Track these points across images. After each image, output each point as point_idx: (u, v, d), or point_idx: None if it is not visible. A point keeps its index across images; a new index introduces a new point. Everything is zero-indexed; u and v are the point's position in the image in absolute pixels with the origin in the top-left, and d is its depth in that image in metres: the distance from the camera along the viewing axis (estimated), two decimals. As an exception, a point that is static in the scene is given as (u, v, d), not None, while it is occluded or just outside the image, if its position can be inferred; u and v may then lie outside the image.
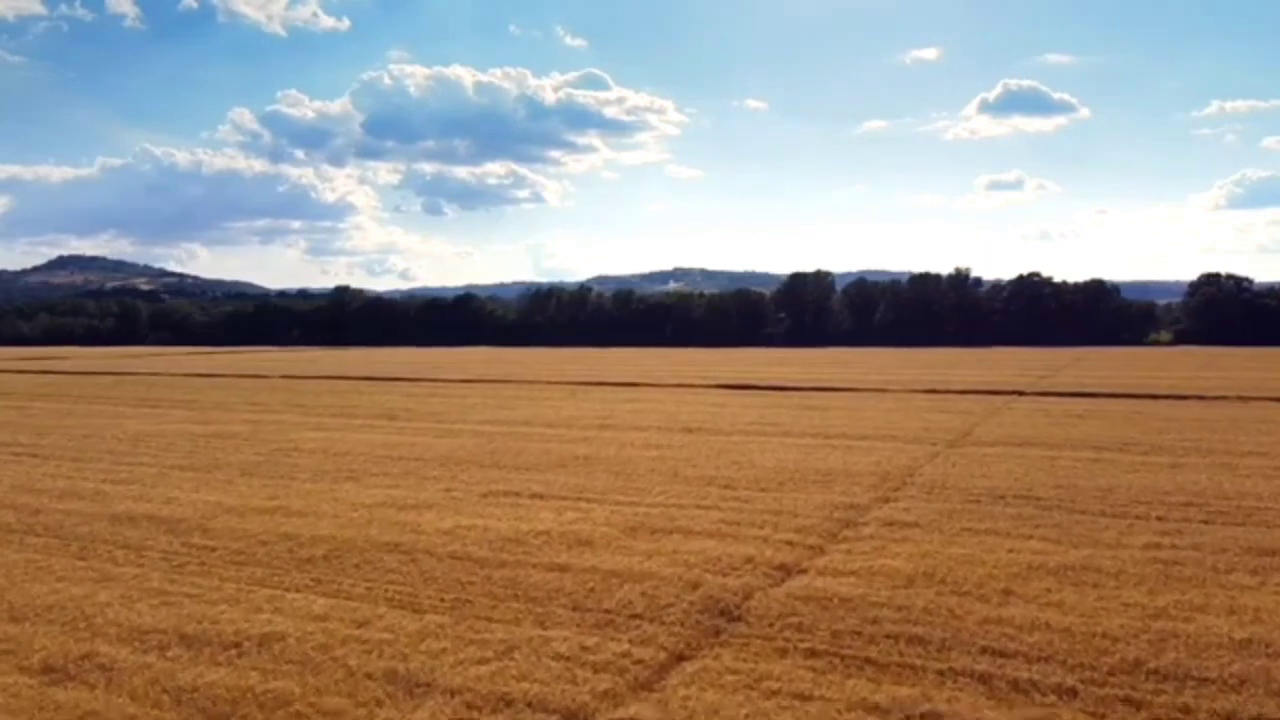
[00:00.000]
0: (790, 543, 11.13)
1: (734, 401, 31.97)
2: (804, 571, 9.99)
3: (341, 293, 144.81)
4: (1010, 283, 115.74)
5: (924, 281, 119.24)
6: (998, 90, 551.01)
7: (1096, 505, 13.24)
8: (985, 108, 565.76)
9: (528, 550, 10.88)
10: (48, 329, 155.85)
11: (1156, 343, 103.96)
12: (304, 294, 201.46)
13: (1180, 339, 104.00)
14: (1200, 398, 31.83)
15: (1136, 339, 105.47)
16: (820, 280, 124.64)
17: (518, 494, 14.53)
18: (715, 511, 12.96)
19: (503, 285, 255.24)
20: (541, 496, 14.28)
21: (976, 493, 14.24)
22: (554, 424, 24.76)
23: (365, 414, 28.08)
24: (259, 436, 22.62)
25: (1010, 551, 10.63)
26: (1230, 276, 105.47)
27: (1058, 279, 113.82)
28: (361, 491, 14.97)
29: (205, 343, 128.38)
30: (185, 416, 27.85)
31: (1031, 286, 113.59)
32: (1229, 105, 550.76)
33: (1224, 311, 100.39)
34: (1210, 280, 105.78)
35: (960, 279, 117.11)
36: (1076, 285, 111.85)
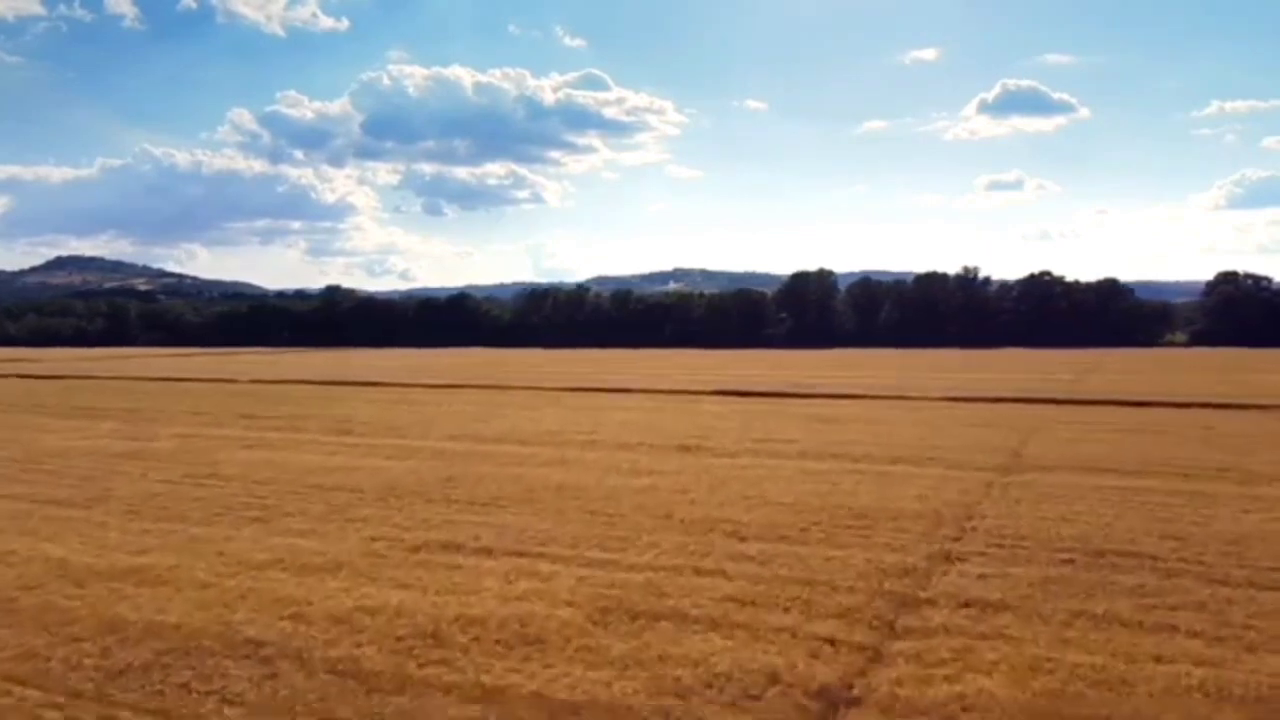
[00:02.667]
0: (832, 641, 7.67)
1: (737, 411, 28.52)
2: (857, 703, 6.54)
3: (333, 293, 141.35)
4: (1019, 282, 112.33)
5: (930, 281, 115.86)
6: (997, 90, 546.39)
7: (1238, 570, 9.77)
8: (984, 108, 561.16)
9: (447, 656, 7.43)
10: (35, 330, 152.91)
11: (1172, 343, 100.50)
12: (301, 295, 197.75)
13: (1196, 340, 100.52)
14: (1260, 407, 28.41)
15: (1150, 340, 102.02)
16: (823, 279, 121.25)
17: (460, 547, 11.07)
18: (720, 580, 9.50)
19: (502, 286, 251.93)
20: (490, 552, 10.82)
21: (1065, 546, 10.78)
22: (530, 440, 21.30)
23: (318, 427, 24.62)
24: (180, 456, 19.18)
25: (1160, 661, 7.18)
26: (1249, 275, 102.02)
27: (1068, 278, 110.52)
28: (261, 540, 11.53)
29: (197, 344, 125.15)
30: (113, 430, 24.38)
31: (1042, 286, 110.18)
32: (1229, 105, 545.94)
33: (1242, 311, 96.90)
34: (1228, 279, 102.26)
35: (968, 278, 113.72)
36: (1088, 285, 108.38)
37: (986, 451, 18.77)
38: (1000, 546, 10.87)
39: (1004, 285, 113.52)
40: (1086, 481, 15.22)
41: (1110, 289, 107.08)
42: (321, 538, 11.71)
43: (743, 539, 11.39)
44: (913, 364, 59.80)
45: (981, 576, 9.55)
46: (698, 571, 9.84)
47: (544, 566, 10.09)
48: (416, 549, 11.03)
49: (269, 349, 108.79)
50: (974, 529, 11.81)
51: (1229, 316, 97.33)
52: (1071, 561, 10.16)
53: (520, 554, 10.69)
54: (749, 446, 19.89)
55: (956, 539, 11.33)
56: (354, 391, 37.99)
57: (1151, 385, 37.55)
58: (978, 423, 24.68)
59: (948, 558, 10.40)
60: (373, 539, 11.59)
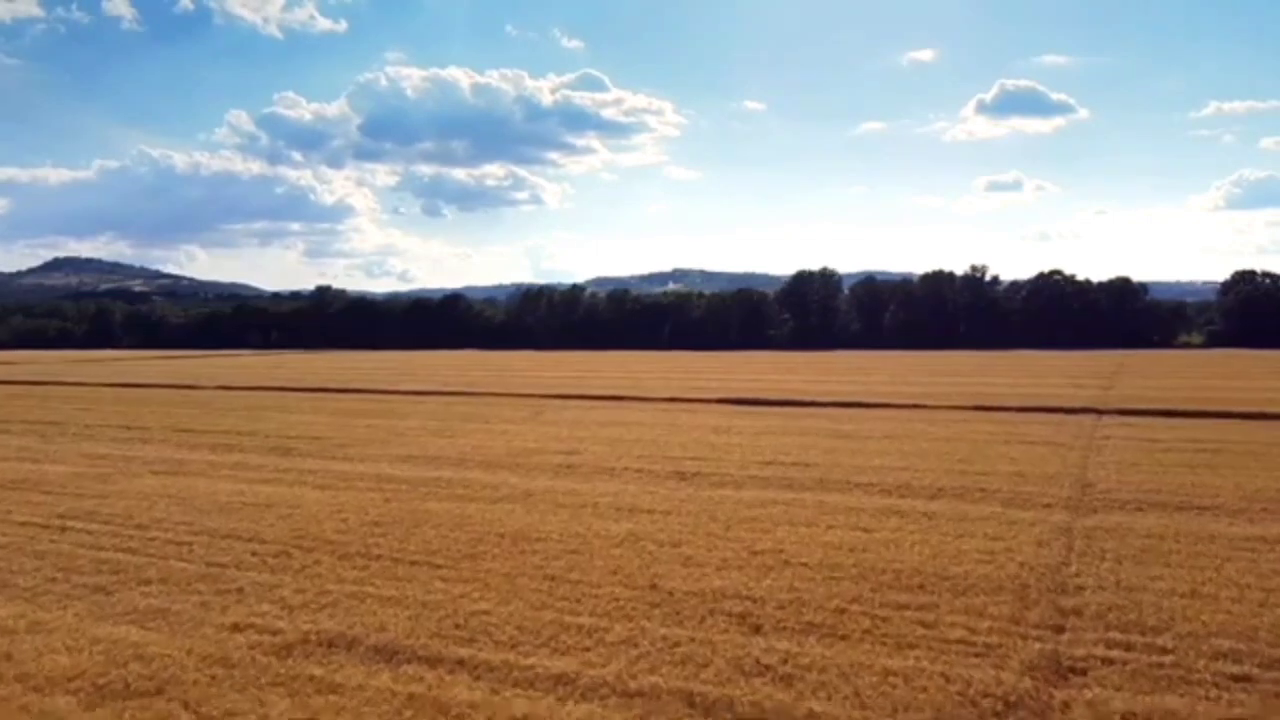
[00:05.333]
0: None
1: (742, 424, 25.17)
2: None
3: (322, 293, 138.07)
4: (1029, 281, 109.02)
5: (937, 280, 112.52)
6: (995, 91, 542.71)
7: None
8: (983, 109, 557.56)
9: None
10: (21, 332, 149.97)
11: (1188, 344, 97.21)
12: (298, 296, 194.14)
13: (1213, 341, 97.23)
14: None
15: (1166, 341, 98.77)
16: (826, 279, 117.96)
17: (353, 645, 7.74)
18: (726, 722, 6.17)
19: (500, 286, 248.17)
20: (391, 657, 7.48)
21: (1224, 649, 7.42)
22: (497, 463, 17.99)
23: (257, 445, 21.28)
24: (72, 485, 15.87)
25: None
26: (1266, 274, 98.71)
27: (1079, 277, 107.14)
28: (84, 628, 8.22)
29: (182, 346, 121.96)
30: (20, 449, 21.06)
31: (1052, 285, 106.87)
32: (1227, 106, 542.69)
33: (1260, 312, 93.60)
34: (1245, 278, 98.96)
35: (976, 278, 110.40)
36: (1101, 284, 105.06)
37: (1045, 480, 15.45)
38: (1127, 648, 7.53)
39: (1014, 285, 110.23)
40: (1191, 526, 11.90)
41: (1123, 288, 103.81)
42: (169, 624, 8.39)
43: (756, 628, 8.07)
44: (924, 367, 56.48)
45: (1127, 718, 6.21)
46: (691, 702, 6.51)
47: (460, 690, 6.75)
48: (288, 649, 7.69)
49: (253, 351, 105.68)
50: (1077, 612, 8.47)
51: (1247, 317, 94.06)
52: (1248, 680, 6.83)
53: (433, 661, 7.36)
54: (756, 473, 16.56)
55: (1059, 629, 8.01)
56: (317, 399, 34.63)
57: (1194, 391, 34.19)
58: (1018, 438, 21.35)
59: (1059, 670, 7.07)
60: (236, 627, 8.25)
